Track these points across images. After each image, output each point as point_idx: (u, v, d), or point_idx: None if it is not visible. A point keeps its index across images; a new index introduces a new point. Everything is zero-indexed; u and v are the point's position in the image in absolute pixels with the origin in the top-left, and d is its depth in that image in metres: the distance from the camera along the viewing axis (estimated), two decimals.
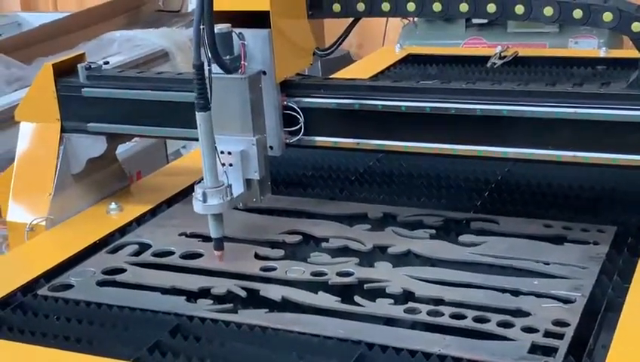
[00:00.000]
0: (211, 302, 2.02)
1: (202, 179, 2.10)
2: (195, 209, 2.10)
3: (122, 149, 3.33)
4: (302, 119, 2.22)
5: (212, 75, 2.00)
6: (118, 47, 4.77)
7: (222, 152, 2.12)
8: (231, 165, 2.16)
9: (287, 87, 2.24)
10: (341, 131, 2.25)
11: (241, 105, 2.14)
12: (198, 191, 2.08)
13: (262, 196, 2.22)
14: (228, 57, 2.09)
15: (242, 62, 2.11)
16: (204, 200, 2.07)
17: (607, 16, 2.07)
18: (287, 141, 2.25)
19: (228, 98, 2.12)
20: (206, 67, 1.98)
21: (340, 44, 2.37)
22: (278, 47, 2.16)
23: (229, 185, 2.10)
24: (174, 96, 2.31)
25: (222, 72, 2.07)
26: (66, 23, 5.34)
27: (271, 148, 2.23)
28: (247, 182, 2.19)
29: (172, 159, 3.71)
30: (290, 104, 2.23)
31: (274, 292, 2.03)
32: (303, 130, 2.23)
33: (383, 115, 2.19)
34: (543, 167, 2.29)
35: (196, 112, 2.01)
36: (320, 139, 2.27)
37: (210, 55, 1.98)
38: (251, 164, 2.17)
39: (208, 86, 1.99)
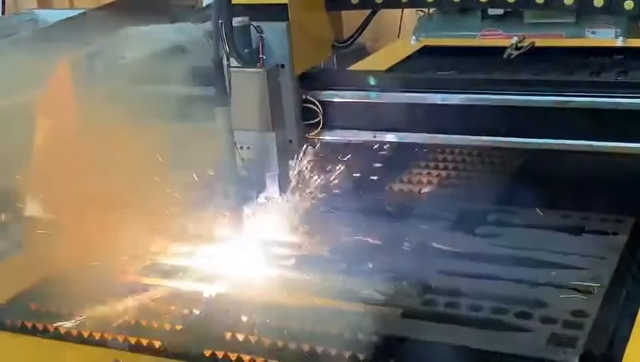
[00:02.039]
0: None
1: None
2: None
3: None
4: (321, 112, 2.22)
5: (231, 69, 1.99)
6: (134, 43, 4.76)
7: (241, 148, 2.11)
8: (250, 160, 2.15)
9: (306, 81, 2.24)
10: (360, 124, 2.24)
11: (259, 99, 2.13)
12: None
13: (282, 192, 2.22)
14: (246, 51, 2.08)
15: (260, 55, 2.11)
16: (225, 196, 2.07)
17: (629, 4, 2.06)
18: (307, 135, 2.25)
19: (246, 92, 2.11)
20: (225, 62, 1.98)
21: (359, 35, 2.36)
22: (296, 40, 2.15)
23: (249, 181, 2.09)
24: (194, 89, 2.31)
25: (240, 65, 2.07)
26: (81, 20, 5.35)
27: (290, 141, 2.23)
28: (267, 178, 2.19)
29: None
30: (309, 97, 2.22)
31: None
32: (322, 124, 2.23)
33: (403, 107, 2.18)
34: (560, 156, 2.27)
35: (215, 108, 2.01)
36: (340, 132, 2.26)
37: (228, 48, 1.98)
38: (271, 159, 2.17)
39: (227, 81, 1.99)
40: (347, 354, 1.75)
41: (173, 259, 2.17)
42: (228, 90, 2.00)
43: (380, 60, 3.62)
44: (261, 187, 2.18)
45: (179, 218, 2.25)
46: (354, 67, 3.48)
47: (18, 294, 2.08)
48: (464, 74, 2.33)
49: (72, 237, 2.03)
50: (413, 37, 3.86)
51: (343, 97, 2.24)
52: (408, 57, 3.59)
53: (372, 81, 2.24)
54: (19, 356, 1.87)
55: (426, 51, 3.69)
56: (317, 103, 2.22)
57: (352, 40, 2.36)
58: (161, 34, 4.86)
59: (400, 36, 5.75)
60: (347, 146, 2.33)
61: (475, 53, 3.56)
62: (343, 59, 5.35)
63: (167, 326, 1.90)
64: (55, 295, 2.06)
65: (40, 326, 1.94)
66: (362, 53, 5.69)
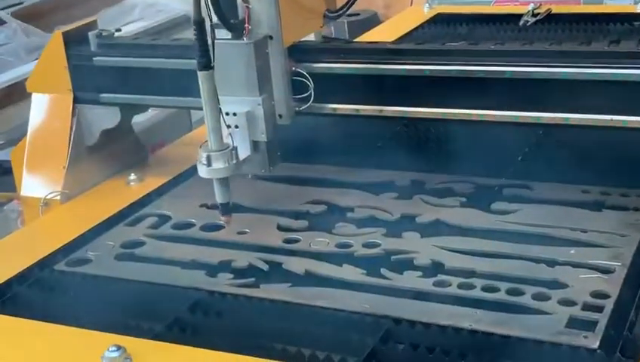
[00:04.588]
0: (232, 276, 1.95)
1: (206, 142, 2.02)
2: (200, 173, 2.03)
3: (144, 118, 3.28)
4: (312, 85, 2.13)
5: (215, 41, 1.91)
6: (140, 13, 4.71)
7: (227, 114, 2.03)
8: (237, 127, 2.08)
9: (296, 52, 2.16)
10: (356, 98, 2.16)
11: (246, 71, 2.05)
12: (202, 154, 2.00)
13: (271, 166, 2.15)
14: (232, 22, 2.00)
15: (246, 25, 2.03)
16: (209, 164, 2.00)
17: None
18: (297, 109, 2.17)
19: (232, 64, 2.04)
20: (207, 24, 1.90)
21: (352, 4, 2.26)
22: (285, 9, 2.07)
23: (235, 148, 2.02)
24: (189, 64, 2.22)
25: (225, 37, 2.00)
26: None
27: (280, 116, 2.15)
28: (254, 145, 2.11)
29: (197, 127, 3.64)
30: (299, 70, 2.14)
31: (297, 265, 1.97)
32: (313, 97, 2.14)
33: (402, 79, 2.10)
34: (580, 130, 2.18)
35: (198, 71, 1.92)
36: (332, 106, 2.18)
37: (215, 17, 1.91)
38: (258, 125, 2.10)
39: (210, 43, 1.91)
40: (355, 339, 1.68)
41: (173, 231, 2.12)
42: (211, 53, 1.91)
43: (390, 29, 3.54)
44: (248, 155, 2.10)
45: None
46: (363, 37, 3.40)
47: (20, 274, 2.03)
48: (477, 43, 2.23)
49: None
50: (427, 4, 3.77)
51: (335, 70, 2.16)
52: (420, 26, 3.51)
53: (368, 53, 2.14)
54: (18, 339, 1.81)
55: (439, 19, 3.61)
56: (307, 76, 2.13)
57: (345, 9, 2.26)
58: (166, 4, 4.80)
59: (413, 3, 5.64)
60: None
61: (490, 21, 3.49)
62: (355, 28, 5.26)
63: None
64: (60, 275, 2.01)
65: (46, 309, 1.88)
66: (375, 21, 5.61)
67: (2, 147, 3.96)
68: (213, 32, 1.91)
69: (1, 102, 3.84)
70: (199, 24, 1.89)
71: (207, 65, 1.91)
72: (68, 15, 4.59)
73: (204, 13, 1.89)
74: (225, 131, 2.00)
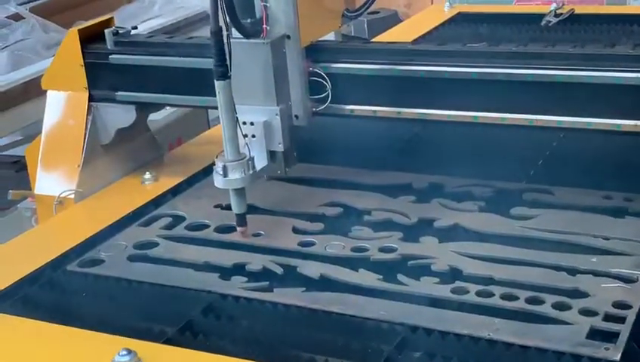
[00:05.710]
0: (246, 279, 1.93)
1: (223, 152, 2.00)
2: (216, 183, 2.02)
3: (162, 116, 3.27)
4: (329, 86, 2.10)
5: (231, 40, 1.89)
6: (160, 9, 4.70)
7: (244, 123, 2.02)
8: (254, 136, 2.06)
9: (314, 52, 2.13)
10: (373, 98, 2.13)
11: (263, 72, 2.03)
12: (218, 164, 1.98)
13: (287, 168, 2.13)
14: (249, 21, 1.98)
15: (264, 25, 2.00)
16: (225, 175, 1.98)
17: None
18: (314, 109, 2.14)
19: (249, 65, 2.02)
20: (224, 32, 1.88)
21: (371, 4, 2.23)
22: (303, 8, 2.05)
23: (252, 158, 2.00)
24: (205, 63, 2.20)
25: (242, 36, 1.97)
26: None
27: (296, 117, 2.13)
28: (271, 155, 2.10)
29: (214, 125, 3.63)
30: (316, 70, 2.11)
31: (312, 269, 1.94)
32: (330, 98, 2.12)
33: (421, 81, 2.07)
34: (602, 135, 2.14)
35: (215, 81, 1.91)
36: (349, 107, 2.16)
37: (228, 18, 1.88)
38: (275, 135, 2.08)
39: (227, 52, 1.88)
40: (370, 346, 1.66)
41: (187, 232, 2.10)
42: (228, 62, 1.89)
43: (411, 28, 3.51)
44: (264, 165, 2.09)
45: None
46: (383, 36, 3.37)
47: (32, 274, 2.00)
48: (498, 44, 2.19)
49: None
50: (447, 3, 3.74)
51: (353, 70, 2.13)
52: (441, 25, 3.48)
53: (386, 53, 2.11)
54: (27, 341, 1.78)
55: (459, 18, 3.58)
56: (325, 77, 2.10)
57: (364, 8, 2.23)
58: (186, 0, 4.79)
59: (433, 2, 5.60)
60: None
61: (512, 20, 3.46)
62: (375, 26, 5.23)
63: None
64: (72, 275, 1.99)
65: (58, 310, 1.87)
66: (395, 20, 5.57)
67: (20, 143, 3.97)
68: (229, 41, 1.88)
69: (18, 98, 3.83)
70: (217, 33, 1.87)
71: (224, 74, 1.90)
72: (87, 11, 4.59)
73: (221, 22, 1.87)
74: (242, 141, 1.98)
